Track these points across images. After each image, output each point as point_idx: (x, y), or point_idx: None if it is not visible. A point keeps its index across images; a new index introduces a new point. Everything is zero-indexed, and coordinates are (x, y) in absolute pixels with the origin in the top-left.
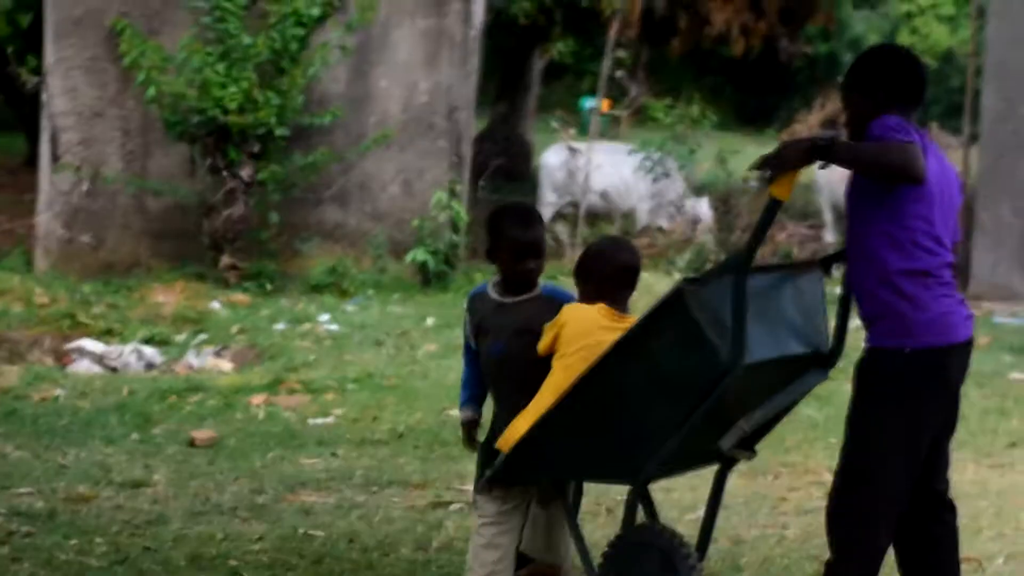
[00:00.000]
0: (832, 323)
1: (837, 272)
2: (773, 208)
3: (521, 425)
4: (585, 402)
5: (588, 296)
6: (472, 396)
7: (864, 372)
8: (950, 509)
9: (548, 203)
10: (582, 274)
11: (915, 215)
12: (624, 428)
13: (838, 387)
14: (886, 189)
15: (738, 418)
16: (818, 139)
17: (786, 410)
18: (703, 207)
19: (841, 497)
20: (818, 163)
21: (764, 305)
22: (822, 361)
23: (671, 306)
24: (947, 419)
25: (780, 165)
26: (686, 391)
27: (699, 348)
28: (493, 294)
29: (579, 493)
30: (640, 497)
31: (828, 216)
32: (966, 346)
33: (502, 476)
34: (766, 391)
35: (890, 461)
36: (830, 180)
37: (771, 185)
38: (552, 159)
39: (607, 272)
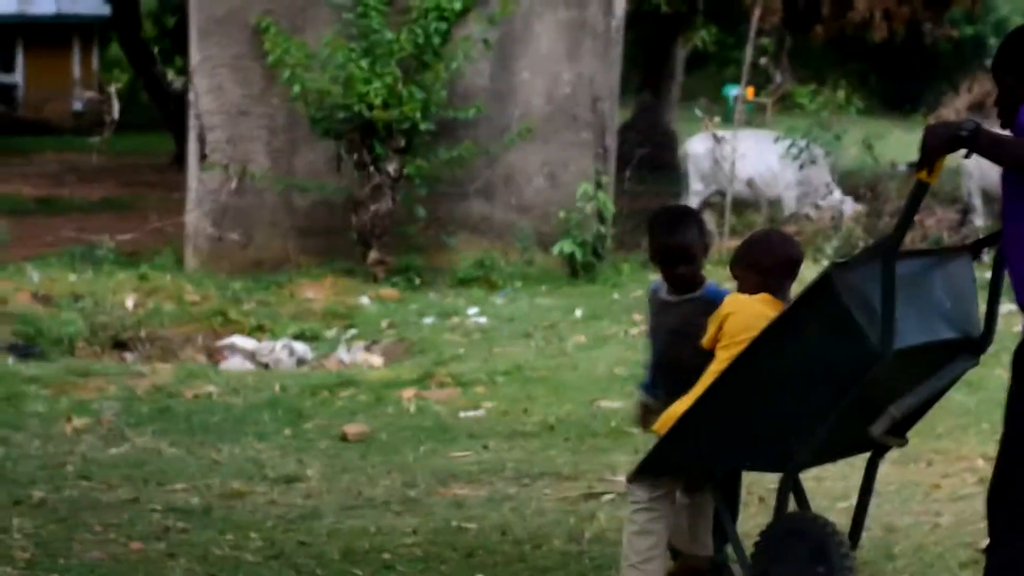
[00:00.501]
0: (982, 308)
1: (987, 257)
2: (919, 193)
3: (676, 411)
4: (736, 388)
5: (750, 286)
6: (652, 382)
7: (1019, 361)
8: None
9: (695, 192)
10: (745, 263)
11: None
12: (774, 414)
13: (989, 372)
14: None
15: (888, 404)
16: (961, 128)
17: (937, 396)
18: (846, 203)
19: (1002, 485)
20: (962, 152)
21: (914, 290)
22: (973, 347)
23: (820, 291)
24: None
25: (925, 152)
26: (835, 377)
27: (848, 333)
28: (662, 292)
29: (737, 484)
30: (792, 486)
31: (977, 201)
32: None
33: (655, 462)
34: (916, 377)
35: None
36: (979, 164)
37: (917, 171)
38: (698, 148)
39: (773, 263)
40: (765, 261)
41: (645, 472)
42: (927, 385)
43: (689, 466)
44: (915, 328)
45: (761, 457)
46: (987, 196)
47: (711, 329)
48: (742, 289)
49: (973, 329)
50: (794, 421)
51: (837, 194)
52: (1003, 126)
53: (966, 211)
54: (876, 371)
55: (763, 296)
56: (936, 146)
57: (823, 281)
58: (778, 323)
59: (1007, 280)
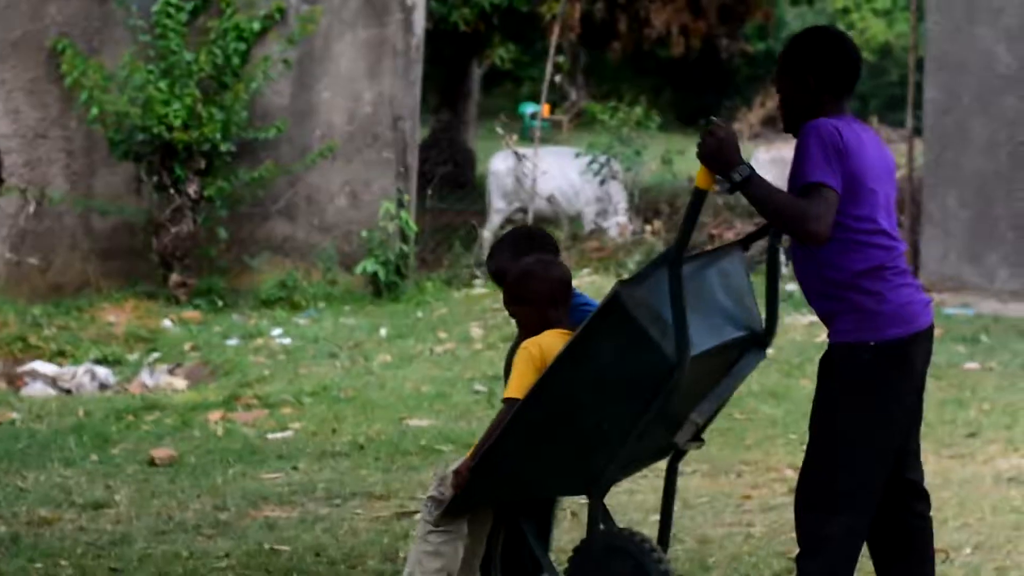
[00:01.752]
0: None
1: (757, 251)
2: (698, 199)
3: (479, 447)
4: (536, 417)
5: (532, 321)
6: None
7: (830, 368)
8: (924, 499)
9: (497, 210)
10: (521, 300)
11: (861, 217)
12: (578, 438)
13: (795, 383)
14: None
15: (688, 411)
16: (736, 171)
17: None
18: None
19: (809, 494)
20: (723, 186)
21: (694, 294)
22: (758, 341)
23: (610, 309)
24: (914, 407)
25: (704, 159)
26: (636, 392)
27: (643, 348)
28: None
29: (551, 507)
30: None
31: None
32: (928, 332)
33: (462, 500)
34: (711, 380)
35: (862, 455)
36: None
37: (696, 177)
38: (499, 165)
39: (548, 290)
40: (540, 290)
41: (453, 511)
42: (723, 386)
43: (495, 500)
44: (704, 333)
45: (570, 483)
46: None
47: (529, 380)
48: (524, 326)
49: (756, 323)
50: (600, 440)
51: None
52: (786, 130)
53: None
54: (676, 381)
55: (554, 332)
56: (713, 163)
57: (612, 300)
58: (571, 347)
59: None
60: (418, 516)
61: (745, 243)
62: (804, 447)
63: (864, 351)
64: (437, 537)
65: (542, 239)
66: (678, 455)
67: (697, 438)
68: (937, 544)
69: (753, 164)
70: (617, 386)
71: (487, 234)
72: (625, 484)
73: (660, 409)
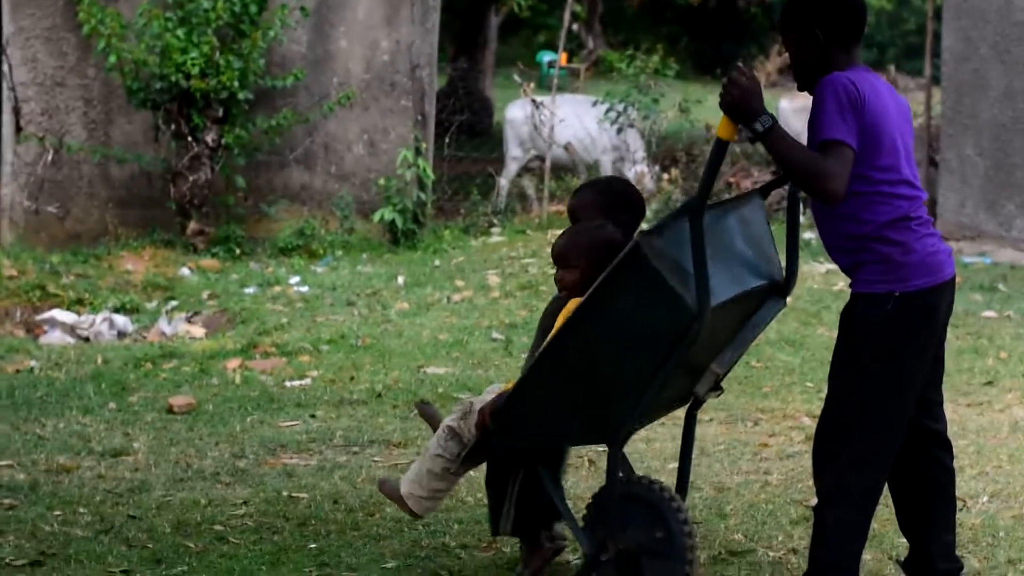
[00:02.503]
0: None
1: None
2: (720, 149)
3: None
4: (559, 363)
5: (575, 283)
6: None
7: (853, 318)
8: (947, 449)
9: (513, 158)
10: (566, 263)
11: (883, 168)
12: (599, 385)
13: (812, 332)
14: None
15: (709, 361)
16: (758, 121)
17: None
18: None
19: (828, 443)
20: (744, 135)
21: (714, 242)
22: (778, 290)
23: (631, 260)
24: (936, 356)
25: (727, 108)
26: (656, 342)
27: (663, 298)
28: None
29: (562, 455)
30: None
31: None
32: (951, 283)
33: (481, 444)
34: (730, 329)
35: (883, 405)
36: (790, 125)
37: (718, 127)
38: (516, 113)
39: (592, 257)
40: (588, 255)
41: (475, 457)
42: (742, 336)
43: (518, 446)
44: (724, 282)
45: (590, 432)
46: None
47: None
48: (568, 287)
49: (776, 272)
50: (620, 391)
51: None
52: (800, 88)
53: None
54: (696, 332)
55: None
56: (736, 113)
57: (632, 250)
58: (594, 295)
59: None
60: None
61: (764, 191)
62: (821, 395)
63: (889, 301)
64: (442, 464)
65: (627, 199)
66: (696, 403)
67: (716, 387)
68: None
69: (777, 115)
70: (637, 337)
71: (504, 182)
72: (642, 432)
73: (680, 360)
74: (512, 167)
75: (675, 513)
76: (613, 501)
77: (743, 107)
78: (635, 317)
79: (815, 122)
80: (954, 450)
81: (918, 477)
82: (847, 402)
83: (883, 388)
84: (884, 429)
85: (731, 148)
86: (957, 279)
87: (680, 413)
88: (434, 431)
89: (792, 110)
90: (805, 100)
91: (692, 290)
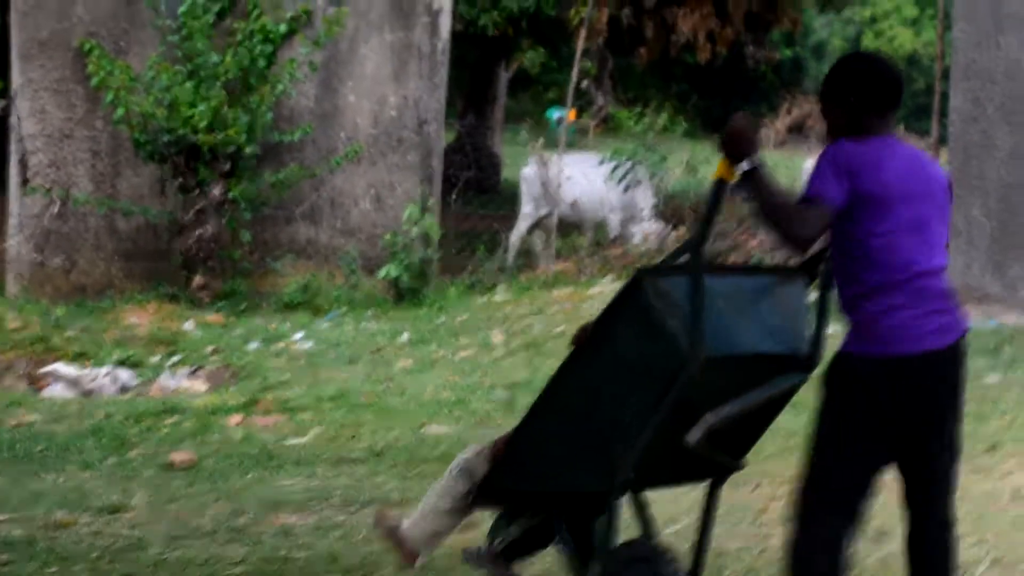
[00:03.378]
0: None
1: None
2: (719, 189)
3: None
4: (559, 400)
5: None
6: None
7: (827, 376)
8: (946, 527)
9: (527, 214)
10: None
11: (879, 233)
12: (595, 425)
13: (814, 396)
14: (842, 214)
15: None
16: (749, 159)
17: (770, 417)
18: (651, 225)
19: (796, 499)
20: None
21: (743, 302)
22: (801, 364)
23: (630, 295)
24: (924, 433)
25: (721, 146)
26: (651, 381)
27: (659, 336)
28: None
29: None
30: (635, 505)
31: None
32: (943, 355)
33: (490, 488)
34: (739, 388)
35: (840, 463)
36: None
37: (716, 168)
38: (531, 171)
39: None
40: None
41: (483, 500)
42: (749, 396)
43: (519, 490)
44: (741, 336)
45: (589, 476)
46: None
47: None
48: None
49: (803, 347)
50: (617, 431)
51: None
52: None
53: None
54: (691, 374)
55: None
56: (725, 150)
57: (633, 286)
58: (594, 331)
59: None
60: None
61: (810, 269)
62: None
63: (860, 363)
64: (452, 504)
65: None
66: (719, 478)
67: (736, 458)
68: None
69: (802, 176)
70: (633, 374)
71: (514, 238)
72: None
73: (679, 406)
74: (523, 224)
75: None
76: (605, 554)
77: (735, 146)
78: (632, 353)
79: (807, 181)
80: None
81: (920, 556)
82: (810, 460)
83: (841, 445)
84: (833, 489)
85: (737, 206)
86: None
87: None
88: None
89: None
90: None
91: (688, 333)
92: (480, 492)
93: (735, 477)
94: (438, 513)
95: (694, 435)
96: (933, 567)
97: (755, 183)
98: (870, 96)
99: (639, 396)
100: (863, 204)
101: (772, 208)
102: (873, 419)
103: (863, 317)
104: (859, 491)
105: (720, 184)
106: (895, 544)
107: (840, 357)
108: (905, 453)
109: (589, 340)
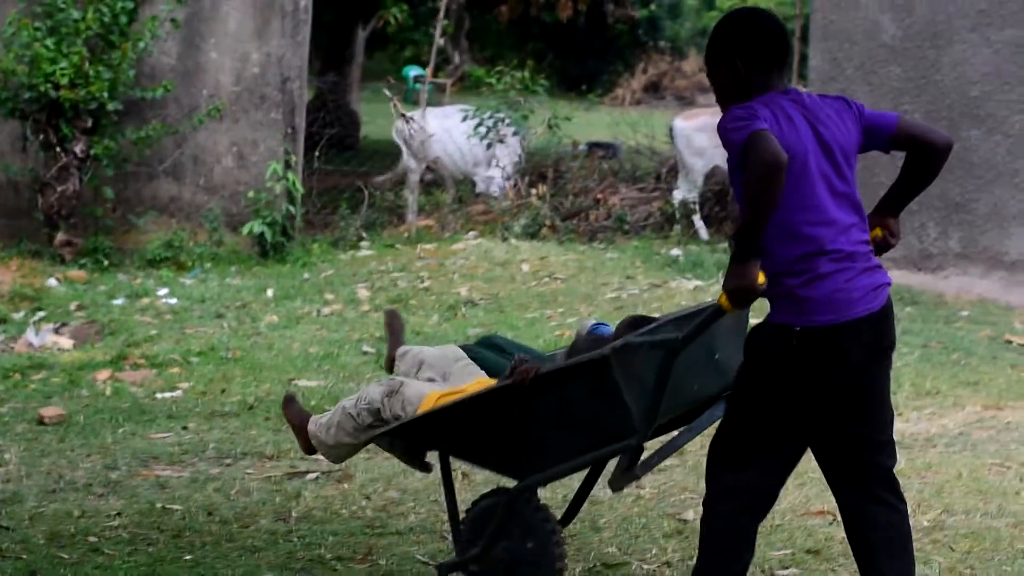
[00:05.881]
0: None
1: None
2: (717, 313)
3: (441, 399)
4: (500, 405)
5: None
6: None
7: (752, 346)
8: (890, 487)
9: (412, 169)
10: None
11: (794, 207)
12: (523, 439)
13: None
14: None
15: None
16: (743, 280)
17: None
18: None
19: (719, 448)
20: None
21: (695, 353)
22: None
23: (598, 366)
24: (847, 397)
25: (730, 299)
26: (591, 435)
27: (616, 406)
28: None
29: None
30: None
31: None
32: (870, 320)
33: (401, 430)
34: (676, 424)
35: (769, 427)
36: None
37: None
38: (401, 127)
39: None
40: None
41: (388, 437)
42: (680, 437)
43: (432, 448)
44: (689, 390)
45: (500, 466)
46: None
47: None
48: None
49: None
50: (538, 455)
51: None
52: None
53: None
54: (628, 446)
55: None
56: (731, 300)
57: (602, 359)
58: (560, 371)
59: None
60: (308, 476)
61: None
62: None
63: (789, 335)
64: (351, 434)
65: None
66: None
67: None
68: (823, 506)
69: (679, 136)
70: (577, 423)
71: (411, 196)
72: None
73: (603, 456)
74: (412, 180)
75: (544, 524)
76: (487, 507)
77: (741, 300)
78: (581, 404)
79: (729, 151)
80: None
81: (862, 518)
82: (739, 417)
83: (772, 413)
84: (768, 445)
85: (599, 165)
86: None
87: None
88: (392, 345)
89: (694, 128)
90: (701, 118)
91: (642, 411)
92: (391, 433)
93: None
94: (342, 431)
95: (617, 484)
96: (890, 529)
97: (741, 244)
98: (755, 54)
99: (573, 441)
100: None
101: (753, 200)
102: (839, 388)
103: (789, 289)
104: (794, 455)
105: (719, 311)
106: None
107: (783, 331)
108: (842, 427)
109: (550, 377)
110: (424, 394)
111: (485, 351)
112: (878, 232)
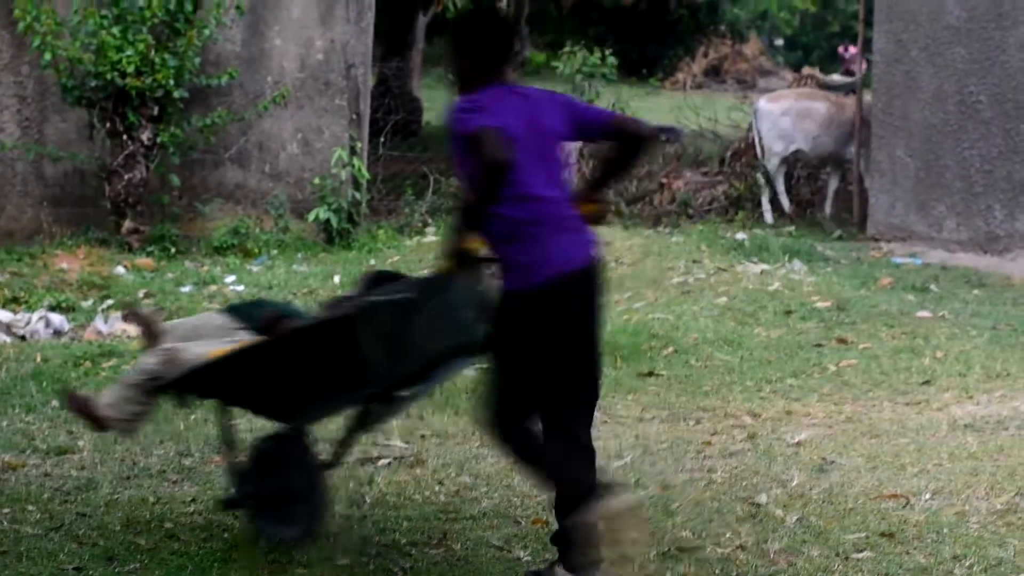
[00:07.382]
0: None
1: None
2: (441, 276)
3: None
4: (265, 356)
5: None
6: None
7: (496, 315)
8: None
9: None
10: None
11: (508, 181)
12: (285, 388)
13: (749, 331)
14: (467, 167)
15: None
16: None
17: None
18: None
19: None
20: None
21: (433, 309)
22: (474, 349)
23: (340, 322)
24: (570, 344)
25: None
26: (337, 382)
27: (355, 357)
28: None
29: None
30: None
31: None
32: (575, 275)
33: (180, 379)
34: (423, 375)
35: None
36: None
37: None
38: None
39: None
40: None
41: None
42: (429, 382)
43: (210, 396)
44: (427, 346)
45: (269, 412)
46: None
47: None
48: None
49: (474, 334)
50: (299, 399)
51: None
52: None
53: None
54: (370, 395)
55: None
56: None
57: (344, 316)
58: (309, 328)
59: None
60: (381, 462)
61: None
62: (761, 394)
63: (508, 298)
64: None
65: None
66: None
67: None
68: (896, 489)
69: (763, 118)
70: (323, 369)
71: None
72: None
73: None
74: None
75: (312, 466)
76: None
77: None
78: (330, 360)
79: (454, 144)
80: (895, 448)
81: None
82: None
83: (515, 362)
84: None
85: (664, 149)
86: (889, 279)
87: (623, 412)
88: (148, 338)
89: (779, 111)
90: (785, 101)
91: (384, 366)
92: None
93: (676, 412)
94: (130, 405)
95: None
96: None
97: (467, 220)
98: (479, 54)
99: (322, 388)
100: None
101: (481, 189)
102: (561, 337)
103: (508, 256)
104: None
105: (442, 274)
106: (838, 475)
107: (506, 295)
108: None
109: (309, 329)
110: (201, 354)
111: (255, 311)
112: (594, 207)
